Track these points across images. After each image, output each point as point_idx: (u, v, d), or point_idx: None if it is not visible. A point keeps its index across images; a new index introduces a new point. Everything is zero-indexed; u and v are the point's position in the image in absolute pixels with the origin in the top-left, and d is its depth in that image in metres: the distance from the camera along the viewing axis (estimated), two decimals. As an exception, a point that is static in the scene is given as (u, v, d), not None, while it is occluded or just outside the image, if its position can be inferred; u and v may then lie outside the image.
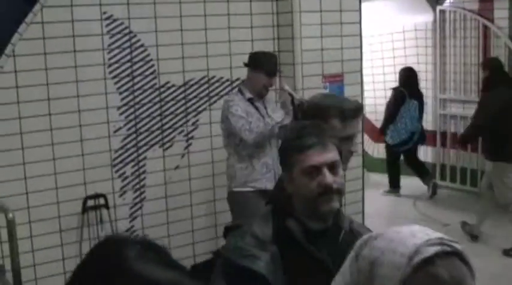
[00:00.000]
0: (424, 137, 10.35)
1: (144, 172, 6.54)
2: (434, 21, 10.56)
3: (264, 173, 5.98)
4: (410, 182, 10.86)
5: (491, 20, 9.82)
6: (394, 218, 9.36)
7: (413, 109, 9.95)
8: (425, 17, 10.68)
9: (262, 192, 5.89)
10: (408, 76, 10.18)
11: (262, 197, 5.90)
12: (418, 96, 10.19)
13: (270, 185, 5.90)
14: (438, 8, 10.50)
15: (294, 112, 5.76)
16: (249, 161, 5.96)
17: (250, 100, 6.02)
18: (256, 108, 6.02)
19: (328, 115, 3.14)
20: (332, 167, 2.55)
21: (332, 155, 2.57)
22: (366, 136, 11.02)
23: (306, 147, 2.55)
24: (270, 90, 6.20)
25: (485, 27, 9.87)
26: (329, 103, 3.26)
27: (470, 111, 9.94)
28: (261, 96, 6.07)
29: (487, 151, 8.27)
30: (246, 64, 6.14)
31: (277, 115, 5.92)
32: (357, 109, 3.26)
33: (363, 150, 7.86)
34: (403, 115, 9.96)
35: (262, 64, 6.01)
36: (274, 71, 6.09)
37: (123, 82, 6.31)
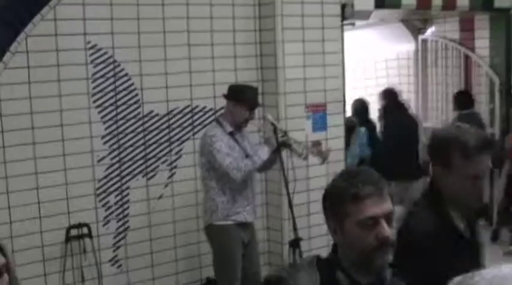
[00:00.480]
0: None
1: (127, 201, 6.52)
2: (417, 50, 10.68)
3: (245, 206, 5.96)
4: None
5: (473, 49, 9.93)
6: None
7: (361, 136, 9.98)
8: (408, 46, 10.78)
9: (242, 224, 5.94)
10: (359, 107, 10.19)
11: (242, 230, 5.94)
12: (368, 124, 10.20)
13: (249, 217, 6.00)
14: (420, 37, 10.61)
15: (276, 141, 5.80)
16: (230, 195, 5.89)
17: (230, 134, 5.92)
18: (236, 141, 5.95)
19: (448, 151, 2.96)
20: (389, 218, 2.36)
21: (389, 205, 2.37)
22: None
23: (363, 196, 2.33)
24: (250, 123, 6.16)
25: (467, 57, 9.98)
26: (449, 136, 3.03)
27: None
28: (241, 128, 6.02)
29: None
30: (226, 96, 6.02)
31: (263, 153, 5.84)
32: (484, 143, 2.98)
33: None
34: (354, 142, 10.01)
35: (245, 97, 5.90)
36: (256, 104, 6.03)
37: (107, 111, 6.32)
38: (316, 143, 6.44)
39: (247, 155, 5.85)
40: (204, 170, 5.99)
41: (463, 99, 9.35)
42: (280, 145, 5.87)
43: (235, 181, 5.74)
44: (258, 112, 6.42)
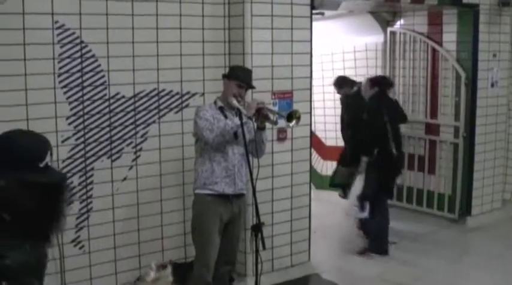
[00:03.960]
0: None
1: (91, 182, 6.52)
2: (385, 42, 10.73)
3: (223, 177, 6.05)
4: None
5: (440, 43, 10.02)
6: (341, 234, 9.47)
7: None
8: (376, 38, 10.84)
9: (221, 196, 6.04)
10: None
11: (221, 204, 6.02)
12: None
13: (227, 189, 6.07)
14: (389, 29, 10.67)
15: (241, 125, 5.83)
16: (209, 164, 6.04)
17: (220, 109, 6.11)
18: (225, 116, 6.08)
19: None
20: None
21: None
22: (314, 154, 11.15)
23: None
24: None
25: (434, 50, 10.06)
26: None
27: (418, 131, 10.16)
28: (233, 107, 6.09)
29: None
30: (224, 76, 6.23)
31: (236, 120, 5.96)
32: None
33: (311, 167, 7.94)
34: None
35: (236, 74, 6.15)
36: (245, 82, 6.15)
37: (72, 92, 6.30)
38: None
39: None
40: (195, 143, 6.21)
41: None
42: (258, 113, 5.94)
43: (207, 141, 5.88)
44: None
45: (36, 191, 2.82)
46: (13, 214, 2.82)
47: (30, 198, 2.82)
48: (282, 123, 6.32)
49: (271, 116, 6.08)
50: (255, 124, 5.96)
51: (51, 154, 2.91)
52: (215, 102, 6.20)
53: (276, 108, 7.07)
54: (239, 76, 6.13)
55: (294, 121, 5.92)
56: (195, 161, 6.20)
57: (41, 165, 2.82)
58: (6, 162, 2.78)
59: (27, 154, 2.81)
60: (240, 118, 5.84)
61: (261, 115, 5.95)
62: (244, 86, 6.14)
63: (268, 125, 6.18)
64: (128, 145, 6.70)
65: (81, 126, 6.39)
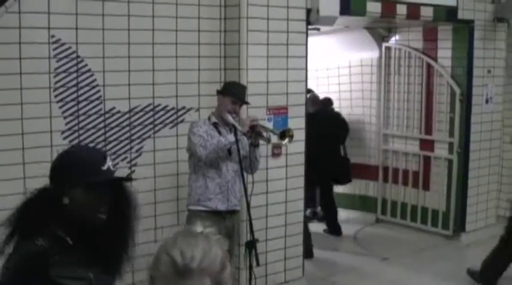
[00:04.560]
0: None
1: (86, 197, 6.49)
2: (380, 57, 10.75)
3: (217, 193, 6.08)
4: (353, 215, 11.02)
5: (435, 59, 10.05)
6: (335, 252, 9.46)
7: None
8: (372, 53, 10.86)
9: (214, 212, 6.07)
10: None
11: (215, 221, 6.03)
12: None
13: (221, 205, 6.10)
14: (384, 45, 10.70)
15: (236, 141, 5.84)
16: (203, 180, 6.08)
17: (214, 125, 6.14)
18: (220, 133, 6.11)
19: None
20: None
21: None
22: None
23: None
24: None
25: (429, 66, 10.09)
26: None
27: (413, 147, 10.18)
28: (228, 123, 6.13)
29: None
30: (218, 91, 6.27)
31: (230, 136, 5.98)
32: None
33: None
34: None
35: (229, 90, 6.19)
36: (239, 99, 6.18)
37: (68, 106, 6.28)
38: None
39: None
40: (188, 159, 6.23)
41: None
42: (252, 131, 5.95)
43: (201, 158, 5.91)
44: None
45: (103, 198, 2.76)
46: (78, 235, 2.72)
47: (97, 209, 2.75)
48: (275, 140, 6.32)
49: (265, 133, 6.10)
50: (249, 141, 5.97)
51: (111, 160, 2.86)
52: (209, 118, 6.23)
53: (270, 125, 7.07)
54: (233, 93, 6.15)
55: (286, 139, 5.95)
56: (189, 177, 6.21)
57: (104, 168, 2.76)
58: (70, 174, 2.74)
59: (87, 160, 2.77)
60: (235, 135, 5.85)
61: (254, 132, 5.96)
62: (238, 102, 6.15)
63: (262, 142, 6.19)
64: (122, 160, 6.68)
65: (76, 141, 6.36)
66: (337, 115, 10.61)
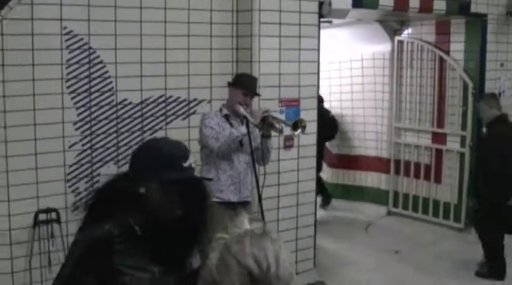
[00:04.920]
0: None
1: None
2: (393, 50, 10.72)
3: (229, 185, 6.12)
4: (365, 208, 11.03)
5: (448, 52, 10.02)
6: (347, 245, 9.46)
7: None
8: (384, 47, 10.83)
9: (227, 204, 6.07)
10: None
11: (225, 210, 6.07)
12: None
13: (233, 197, 6.14)
14: (396, 38, 10.66)
15: (248, 133, 5.86)
16: (215, 172, 6.08)
17: (226, 116, 6.16)
18: (230, 124, 6.15)
19: None
20: None
21: None
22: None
23: None
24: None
25: (442, 59, 10.06)
26: None
27: (425, 140, 10.16)
28: (239, 115, 6.15)
29: None
30: (229, 83, 6.29)
31: (243, 128, 6.01)
32: None
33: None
34: None
35: (242, 82, 6.20)
36: (251, 91, 6.21)
37: (80, 97, 6.32)
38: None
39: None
40: (200, 151, 6.23)
41: None
42: (264, 122, 5.95)
43: (213, 150, 5.94)
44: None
45: (179, 194, 2.74)
46: (149, 227, 2.71)
47: (172, 205, 2.73)
48: (287, 131, 6.31)
49: (277, 124, 6.09)
50: (261, 132, 5.98)
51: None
52: (220, 110, 6.25)
53: (282, 116, 7.08)
54: (244, 85, 6.16)
55: (299, 130, 5.92)
56: (201, 169, 6.21)
57: (185, 164, 2.74)
58: (150, 165, 2.71)
59: (170, 154, 2.75)
60: (247, 126, 5.85)
61: (266, 123, 5.96)
62: (249, 94, 6.17)
63: (274, 133, 6.19)
64: (134, 151, 6.70)
65: (88, 132, 6.41)
66: (327, 113, 10.69)
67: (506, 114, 8.31)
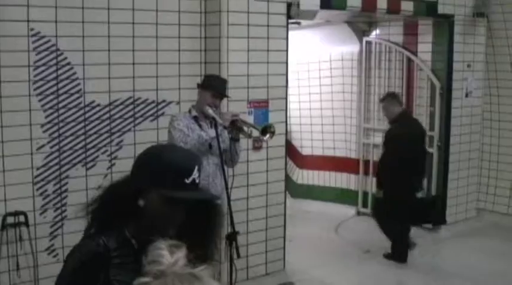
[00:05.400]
0: None
1: (66, 190, 6.49)
2: (361, 51, 10.78)
3: None
4: (334, 208, 11.07)
5: (415, 53, 10.10)
6: (316, 243, 9.48)
7: None
8: (352, 48, 10.89)
9: None
10: None
11: None
12: None
13: None
14: (365, 39, 10.72)
15: (217, 136, 5.85)
16: None
17: (195, 118, 6.13)
18: (199, 126, 6.11)
19: None
20: None
21: None
22: (290, 162, 11.17)
23: None
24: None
25: (409, 60, 10.14)
26: None
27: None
28: (208, 116, 6.13)
29: None
30: (198, 85, 6.27)
31: (211, 132, 6.00)
32: None
33: (286, 176, 7.97)
34: None
35: (209, 83, 6.19)
36: (220, 93, 6.20)
37: (48, 99, 6.28)
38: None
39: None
40: None
41: None
42: (232, 125, 5.95)
43: None
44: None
45: (179, 211, 2.59)
46: (144, 241, 2.41)
47: (169, 222, 2.58)
48: (256, 134, 6.31)
49: (246, 129, 6.10)
50: (229, 135, 5.98)
51: (199, 170, 2.63)
52: (189, 111, 6.22)
53: (251, 118, 7.09)
54: (214, 86, 6.15)
55: (268, 135, 5.94)
56: None
57: (188, 181, 2.56)
58: (150, 177, 2.55)
59: (172, 167, 2.56)
60: (216, 128, 5.85)
61: (235, 127, 5.96)
62: (218, 96, 6.16)
63: (243, 136, 6.20)
64: (102, 153, 6.68)
65: (56, 134, 6.36)
66: None
67: (407, 110, 9.04)
